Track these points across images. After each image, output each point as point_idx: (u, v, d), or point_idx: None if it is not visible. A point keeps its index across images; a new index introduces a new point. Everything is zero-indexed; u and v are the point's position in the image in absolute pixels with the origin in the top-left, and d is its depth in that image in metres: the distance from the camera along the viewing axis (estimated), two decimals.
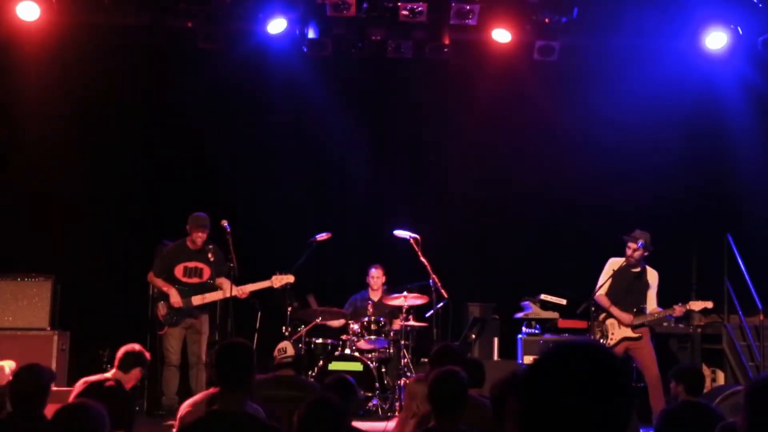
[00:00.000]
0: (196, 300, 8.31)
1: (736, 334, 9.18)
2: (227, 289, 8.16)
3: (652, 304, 7.98)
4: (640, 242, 7.83)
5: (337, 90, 10.13)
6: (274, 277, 8.37)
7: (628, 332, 7.86)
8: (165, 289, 8.30)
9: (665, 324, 8.86)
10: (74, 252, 9.51)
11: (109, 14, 9.16)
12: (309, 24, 9.39)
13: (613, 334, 7.90)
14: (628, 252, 7.90)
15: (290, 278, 8.40)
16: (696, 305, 7.86)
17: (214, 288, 8.41)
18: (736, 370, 9.01)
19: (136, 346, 5.94)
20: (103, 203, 9.91)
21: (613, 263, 8.00)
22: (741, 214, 9.63)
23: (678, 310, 7.84)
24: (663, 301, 7.98)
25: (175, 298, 8.25)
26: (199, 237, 8.32)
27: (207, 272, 8.41)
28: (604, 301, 7.98)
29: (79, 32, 9.28)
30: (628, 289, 7.98)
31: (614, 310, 7.93)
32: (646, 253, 7.93)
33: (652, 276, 8.03)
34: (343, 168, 10.60)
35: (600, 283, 7.98)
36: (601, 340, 7.85)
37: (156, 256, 8.69)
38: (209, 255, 8.38)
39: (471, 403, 4.50)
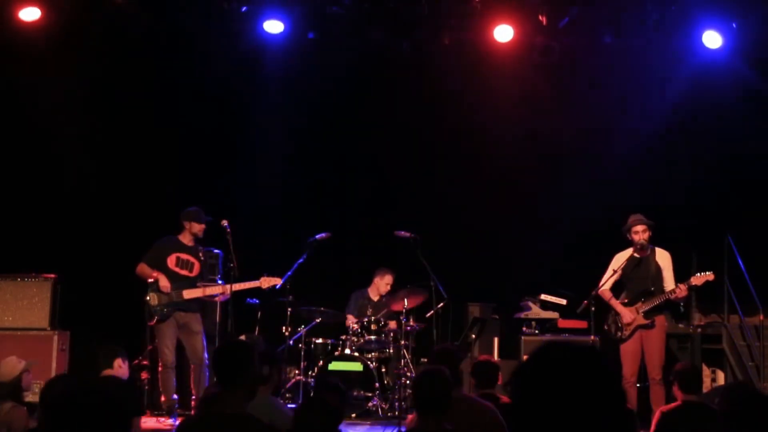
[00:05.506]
0: (186, 294, 8.15)
1: (736, 334, 9.16)
2: (212, 288, 8.13)
3: (670, 285, 7.85)
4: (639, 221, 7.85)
5: (337, 89, 10.13)
6: (262, 279, 8.28)
7: (640, 320, 7.80)
8: (154, 275, 8.09)
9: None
10: (74, 252, 9.52)
11: (109, 14, 9.17)
12: (308, 23, 9.39)
13: (627, 324, 7.84)
14: (636, 237, 7.85)
15: (277, 281, 8.32)
16: (697, 280, 7.69)
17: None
18: (736, 370, 8.98)
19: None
20: (103, 203, 9.92)
21: (618, 258, 8.00)
22: (741, 214, 9.61)
23: (680, 289, 7.69)
24: None
25: (165, 282, 8.05)
26: (200, 229, 8.28)
27: (197, 267, 8.31)
28: (605, 295, 7.98)
29: (78, 32, 9.29)
30: (636, 278, 7.94)
31: (614, 303, 7.92)
32: (649, 232, 7.89)
33: (663, 257, 7.94)
34: (343, 167, 10.59)
35: (604, 279, 7.97)
36: (617, 333, 7.88)
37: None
38: (200, 253, 8.36)
39: (470, 406, 4.48)
